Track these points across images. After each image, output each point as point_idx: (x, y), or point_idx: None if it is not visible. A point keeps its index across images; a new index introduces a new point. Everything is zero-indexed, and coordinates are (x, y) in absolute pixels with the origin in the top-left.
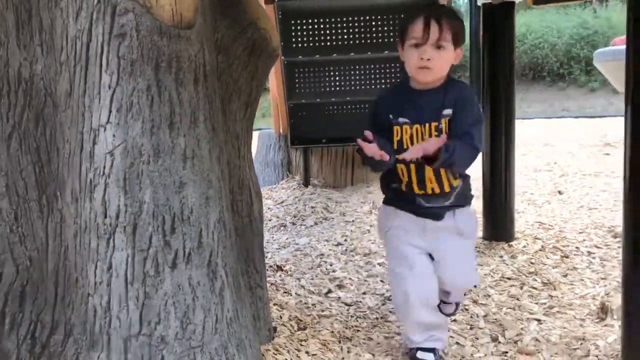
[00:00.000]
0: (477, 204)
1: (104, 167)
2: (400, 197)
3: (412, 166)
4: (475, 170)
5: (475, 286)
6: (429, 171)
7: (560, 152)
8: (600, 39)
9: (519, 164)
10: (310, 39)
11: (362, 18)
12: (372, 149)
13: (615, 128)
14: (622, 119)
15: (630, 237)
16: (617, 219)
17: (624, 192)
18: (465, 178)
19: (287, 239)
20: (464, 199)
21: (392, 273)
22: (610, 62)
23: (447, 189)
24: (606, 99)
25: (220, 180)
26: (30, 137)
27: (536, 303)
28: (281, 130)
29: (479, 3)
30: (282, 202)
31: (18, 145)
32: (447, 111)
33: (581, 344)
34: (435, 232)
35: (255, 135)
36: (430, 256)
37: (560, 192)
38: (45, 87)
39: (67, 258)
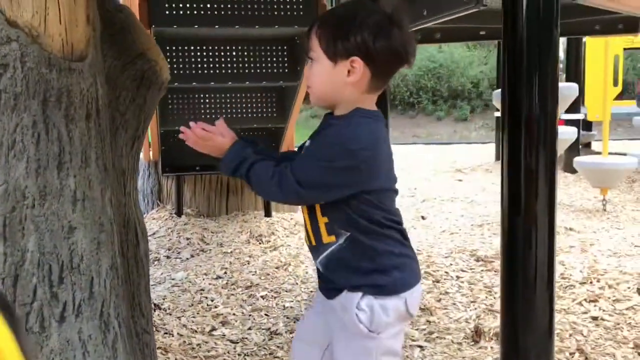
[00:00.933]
0: None
1: None
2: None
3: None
4: None
5: None
6: (311, 210)
7: (417, 178)
8: (445, 72)
9: None
10: (187, 65)
11: (240, 48)
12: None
13: (462, 155)
14: (466, 146)
15: (506, 264)
16: (476, 242)
17: (501, 221)
18: (355, 247)
19: (162, 274)
20: (351, 273)
21: None
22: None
23: (324, 239)
24: (451, 127)
25: (112, 223)
26: None
27: (417, 329)
28: (151, 157)
29: None
30: (154, 234)
31: None
32: (309, 141)
33: None
34: (327, 314)
35: None
36: None
37: (423, 217)
38: None
39: None
